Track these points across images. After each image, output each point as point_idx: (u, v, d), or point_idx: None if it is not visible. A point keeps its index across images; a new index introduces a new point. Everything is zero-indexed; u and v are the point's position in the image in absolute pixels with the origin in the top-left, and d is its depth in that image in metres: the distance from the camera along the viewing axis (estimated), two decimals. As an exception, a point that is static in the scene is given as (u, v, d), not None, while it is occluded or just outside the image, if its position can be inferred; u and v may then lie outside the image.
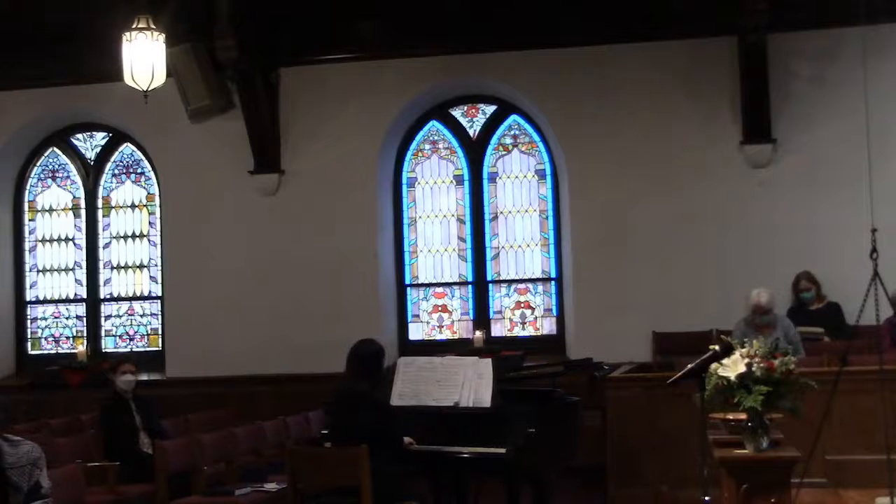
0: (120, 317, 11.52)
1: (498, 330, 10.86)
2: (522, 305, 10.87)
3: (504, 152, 10.99)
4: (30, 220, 11.72)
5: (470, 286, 10.94)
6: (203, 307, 10.80)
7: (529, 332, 10.84)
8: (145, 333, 11.47)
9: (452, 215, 11.03)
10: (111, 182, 11.65)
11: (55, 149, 11.73)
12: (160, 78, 8.49)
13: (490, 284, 10.90)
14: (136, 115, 10.15)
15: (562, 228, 10.67)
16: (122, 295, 11.52)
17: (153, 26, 8.42)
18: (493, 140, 11.00)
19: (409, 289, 11.05)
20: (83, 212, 11.63)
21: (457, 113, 11.10)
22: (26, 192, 11.73)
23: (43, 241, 11.69)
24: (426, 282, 11.03)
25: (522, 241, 10.89)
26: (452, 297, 11.01)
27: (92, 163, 11.67)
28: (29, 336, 11.63)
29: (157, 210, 11.36)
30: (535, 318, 10.85)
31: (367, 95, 10.68)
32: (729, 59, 10.04)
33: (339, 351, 6.53)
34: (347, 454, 6.00)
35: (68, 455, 7.22)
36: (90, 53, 10.23)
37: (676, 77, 10.22)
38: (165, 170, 11.17)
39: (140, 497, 7.32)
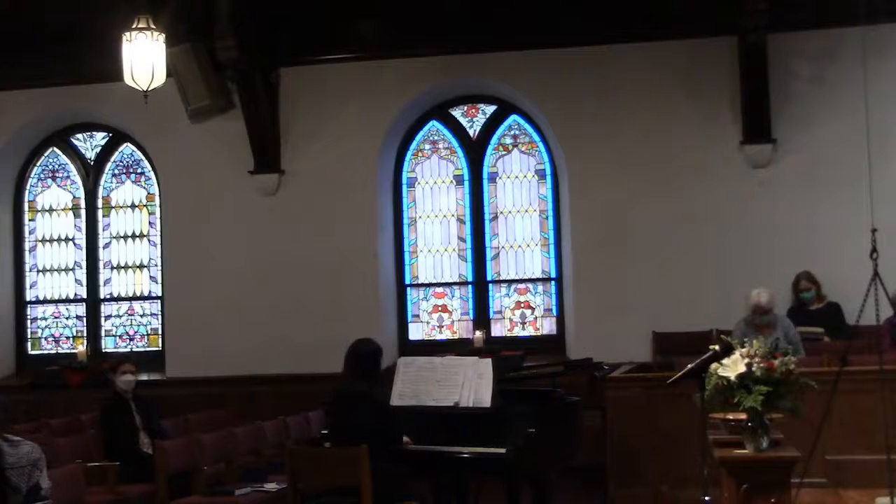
0: (120, 317, 11.52)
1: (498, 330, 10.86)
2: (522, 305, 10.87)
3: (504, 152, 10.98)
4: (30, 220, 11.72)
5: (470, 286, 10.93)
6: (203, 307, 10.80)
7: (529, 332, 10.84)
8: (145, 333, 11.47)
9: (452, 215, 11.02)
10: (111, 182, 11.65)
11: (55, 149, 11.73)
12: (160, 78, 8.49)
13: (490, 284, 10.90)
14: (136, 115, 10.15)
15: (562, 228, 10.67)
16: (122, 295, 11.52)
17: (153, 26, 8.42)
18: (493, 140, 11.00)
19: (409, 289, 11.04)
20: (83, 212, 11.63)
21: (457, 113, 11.10)
22: (26, 192, 11.73)
23: (43, 241, 11.68)
24: (426, 282, 11.03)
25: (522, 241, 10.89)
26: (452, 297, 11.00)
27: (92, 163, 11.67)
28: (29, 336, 11.62)
29: (157, 210, 11.36)
30: (535, 318, 10.84)
31: (367, 95, 10.68)
32: (729, 59, 10.03)
33: (339, 351, 6.53)
34: (347, 454, 6.00)
35: (68, 455, 7.21)
36: (90, 53, 10.23)
37: (676, 77, 10.22)
38: (165, 170, 11.17)
39: (140, 497, 7.32)
